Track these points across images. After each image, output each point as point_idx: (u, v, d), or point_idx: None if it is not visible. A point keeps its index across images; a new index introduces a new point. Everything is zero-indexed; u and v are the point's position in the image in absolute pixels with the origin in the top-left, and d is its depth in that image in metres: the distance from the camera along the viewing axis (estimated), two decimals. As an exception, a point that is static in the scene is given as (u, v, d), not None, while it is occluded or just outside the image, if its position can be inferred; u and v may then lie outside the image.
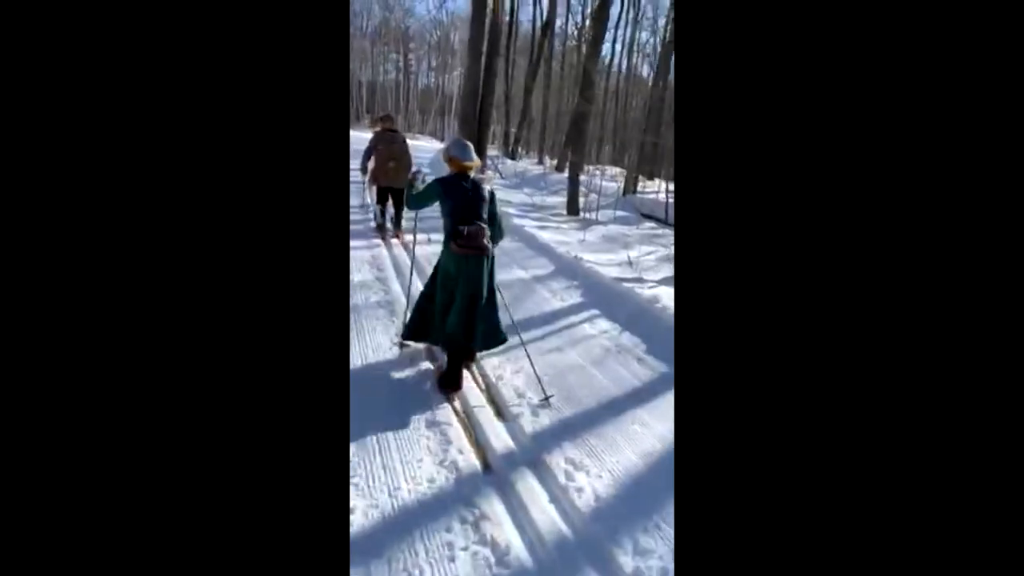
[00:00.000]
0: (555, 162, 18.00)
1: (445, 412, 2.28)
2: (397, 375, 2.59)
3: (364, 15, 41.09)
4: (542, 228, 6.64)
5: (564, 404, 2.45)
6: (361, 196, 6.70)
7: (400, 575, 1.44)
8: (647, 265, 5.10)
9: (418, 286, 2.86)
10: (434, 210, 2.58)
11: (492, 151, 14.58)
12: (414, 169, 3.26)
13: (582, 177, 8.73)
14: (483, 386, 2.58)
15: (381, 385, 2.49)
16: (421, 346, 2.88)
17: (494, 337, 2.59)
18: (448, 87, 41.69)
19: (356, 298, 3.57)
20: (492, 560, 1.51)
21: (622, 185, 10.95)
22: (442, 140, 27.86)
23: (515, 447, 2.11)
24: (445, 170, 2.58)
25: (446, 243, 2.44)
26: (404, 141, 5.06)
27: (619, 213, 8.67)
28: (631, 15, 19.14)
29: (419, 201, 2.52)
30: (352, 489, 1.75)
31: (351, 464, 1.87)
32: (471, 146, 2.55)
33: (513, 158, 16.98)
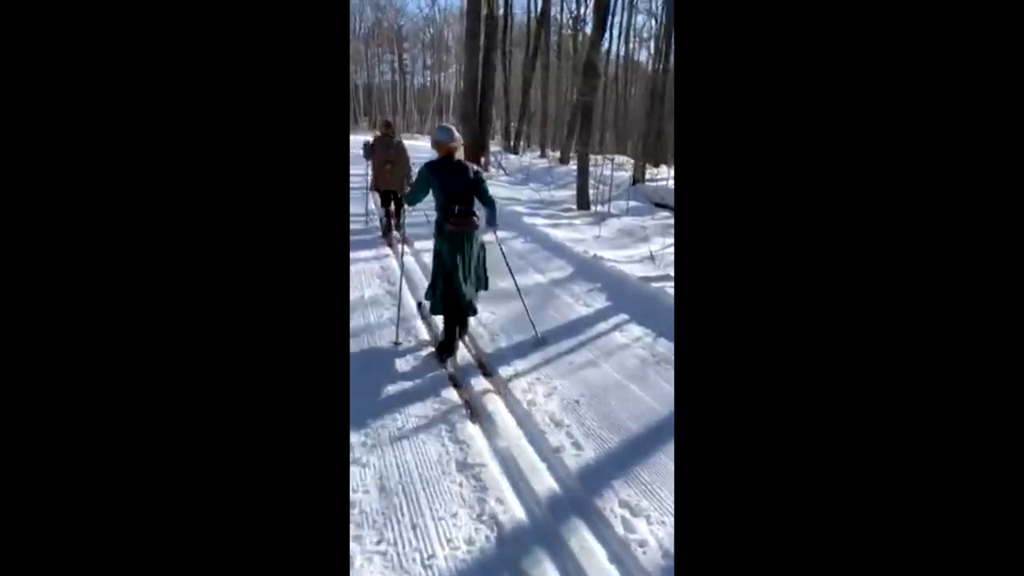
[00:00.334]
0: (558, 154, 17.69)
1: (478, 450, 2.03)
2: (421, 410, 2.34)
3: (357, 17, 40.79)
4: (554, 226, 6.37)
5: (609, 432, 2.19)
6: (364, 204, 6.51)
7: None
8: (670, 259, 4.81)
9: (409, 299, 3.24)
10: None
11: (493, 146, 14.28)
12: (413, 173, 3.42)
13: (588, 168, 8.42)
14: (517, 416, 2.32)
15: (406, 428, 2.24)
16: (445, 369, 2.63)
17: (473, 311, 2.87)
18: (444, 85, 41.43)
19: (367, 318, 3.32)
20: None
21: (631, 174, 10.64)
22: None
23: (560, 490, 1.85)
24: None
25: (438, 225, 2.66)
26: (400, 144, 5.22)
27: (631, 203, 8.37)
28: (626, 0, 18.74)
29: (414, 193, 2.68)
30: (379, 558, 1.50)
31: (377, 527, 1.63)
32: (453, 129, 2.71)
33: (515, 152, 16.68)
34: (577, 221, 7.03)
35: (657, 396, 2.47)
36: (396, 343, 2.91)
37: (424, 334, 3.09)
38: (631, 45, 22.24)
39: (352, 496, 1.75)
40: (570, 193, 10.04)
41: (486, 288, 2.98)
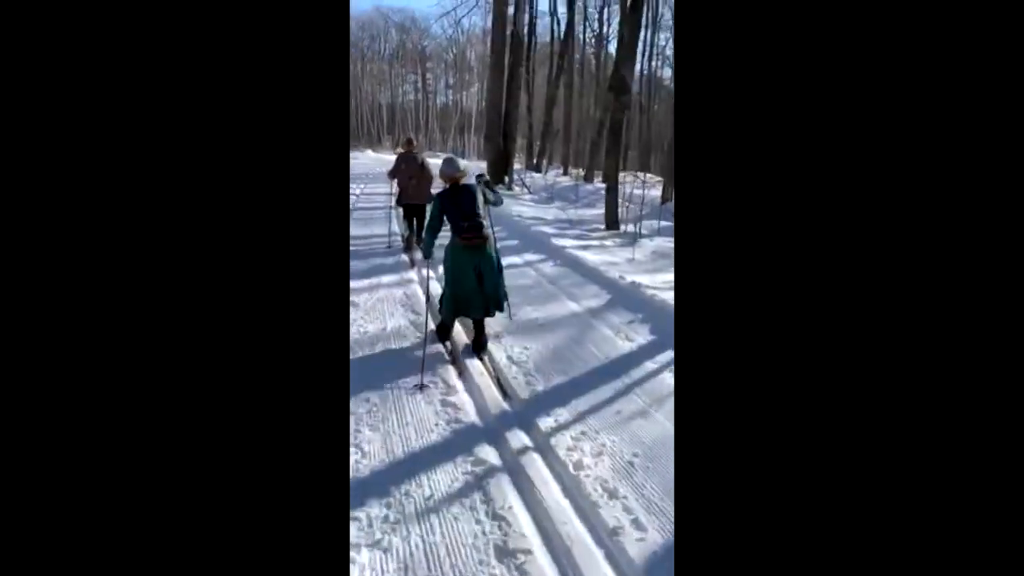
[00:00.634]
0: (582, 172, 17.46)
1: (520, 529, 1.69)
2: (451, 474, 2.02)
3: (382, 38, 41.75)
4: (584, 248, 6.05)
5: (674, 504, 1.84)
6: (388, 224, 6.37)
7: None
8: (715, 287, 4.44)
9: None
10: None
11: (516, 164, 14.08)
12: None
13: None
14: (562, 483, 1.98)
15: (435, 498, 1.92)
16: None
17: (497, 304, 3.12)
18: (466, 104, 41.90)
19: (389, 354, 3.03)
20: None
21: (659, 193, 10.29)
22: (463, 156, 27.67)
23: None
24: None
25: (452, 240, 3.01)
26: (424, 160, 5.50)
27: (662, 223, 8.02)
28: (649, 17, 18.57)
29: (431, 225, 3.06)
30: None
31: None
32: (457, 159, 3.11)
33: (538, 171, 16.49)
34: (608, 242, 6.70)
35: (725, 457, 2.11)
36: (420, 386, 2.62)
37: (453, 377, 2.78)
38: (654, 63, 22.10)
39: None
40: (596, 212, 9.72)
41: (501, 309, 3.16)
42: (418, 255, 5.04)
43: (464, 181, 3.07)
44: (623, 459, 2.09)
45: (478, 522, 1.73)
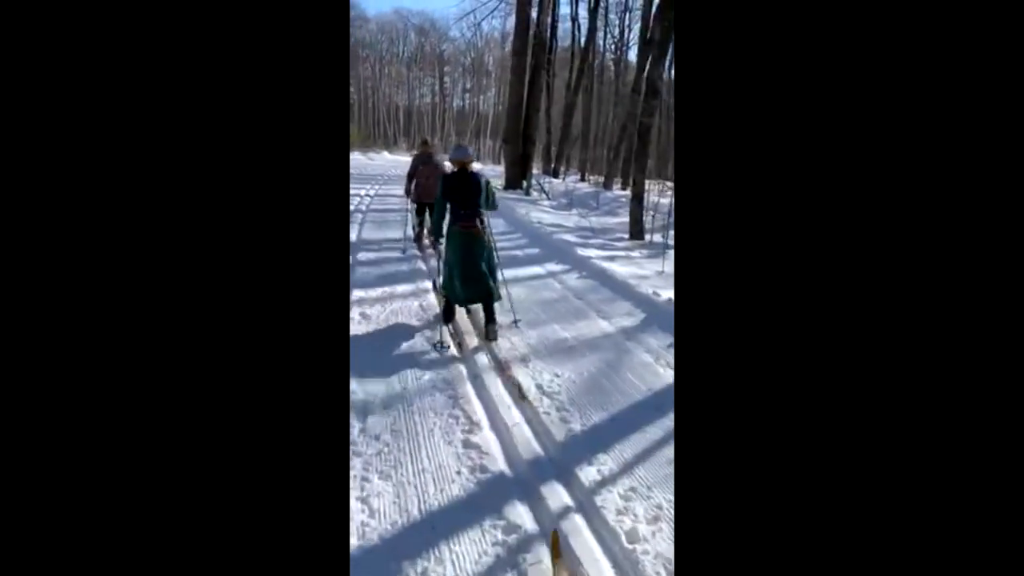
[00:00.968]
0: (599, 179, 17.08)
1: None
2: (477, 544, 1.66)
3: (400, 41, 41.86)
4: (610, 259, 5.68)
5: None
6: (403, 228, 6.09)
7: None
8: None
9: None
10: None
11: (534, 169, 13.72)
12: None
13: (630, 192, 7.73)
14: (613, 559, 1.60)
15: (464, 569, 1.56)
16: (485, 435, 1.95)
17: (490, 295, 3.24)
18: (483, 108, 41.87)
19: (405, 381, 2.68)
20: None
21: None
22: (478, 159, 27.52)
23: None
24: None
25: (450, 225, 3.18)
26: (439, 161, 5.61)
27: (689, 235, 7.62)
28: (655, 25, 18.17)
29: (439, 206, 3.24)
30: None
31: None
32: (467, 147, 3.36)
33: (556, 176, 16.14)
34: (634, 253, 6.32)
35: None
36: (440, 344, 3.00)
37: (476, 410, 2.42)
38: (674, 70, 21.70)
39: None
40: (618, 221, 9.34)
41: (497, 298, 3.31)
42: (427, 244, 5.31)
43: (471, 169, 3.25)
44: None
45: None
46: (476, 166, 3.37)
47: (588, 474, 1.97)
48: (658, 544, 1.64)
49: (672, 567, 1.54)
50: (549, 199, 11.24)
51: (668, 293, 4.23)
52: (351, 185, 8.99)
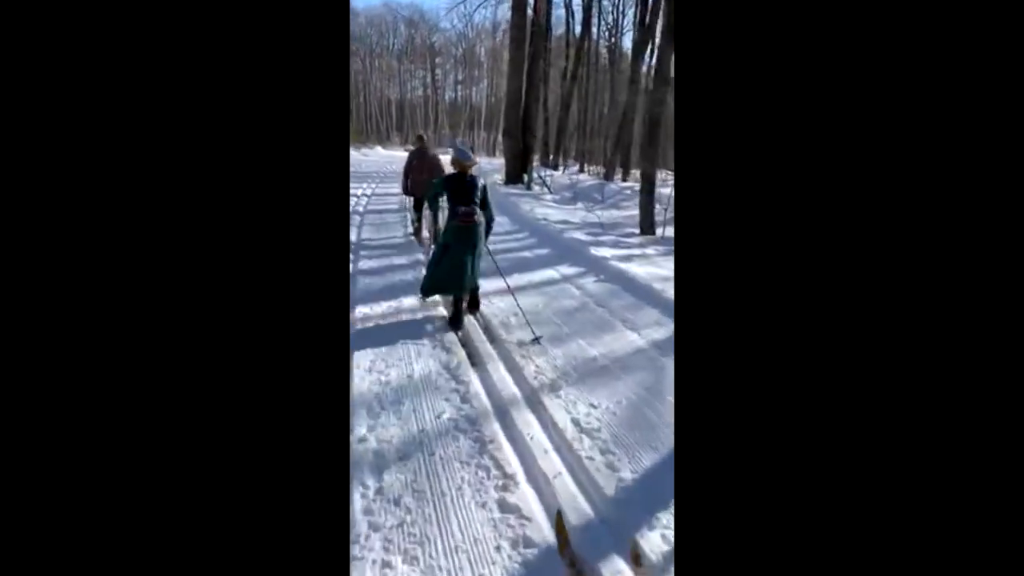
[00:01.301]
0: (599, 169, 16.71)
1: None
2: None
3: (390, 34, 41.16)
4: (626, 258, 5.34)
5: None
6: (404, 227, 5.77)
7: None
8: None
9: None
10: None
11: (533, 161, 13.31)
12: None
13: (633, 184, 7.38)
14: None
15: None
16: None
17: (475, 281, 3.47)
18: (476, 99, 41.32)
19: (422, 417, 2.34)
20: None
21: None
22: (472, 151, 27.07)
23: None
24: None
25: (449, 220, 3.38)
26: (435, 155, 5.80)
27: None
28: (668, 9, 17.69)
29: (432, 195, 3.61)
30: None
31: None
32: (468, 150, 3.46)
33: (554, 168, 15.75)
34: (649, 250, 5.98)
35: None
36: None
37: (510, 460, 2.09)
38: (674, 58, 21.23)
39: None
40: (625, 214, 9.00)
41: (475, 287, 3.58)
42: (426, 234, 5.48)
43: (471, 173, 3.44)
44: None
45: None
46: (472, 155, 3.50)
47: (652, 542, 1.64)
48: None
49: None
50: (551, 193, 10.87)
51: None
52: (346, 185, 8.60)
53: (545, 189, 11.15)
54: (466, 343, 3.19)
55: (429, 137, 6.43)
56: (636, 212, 9.04)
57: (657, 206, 7.49)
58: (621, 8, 21.06)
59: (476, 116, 40.18)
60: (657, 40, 8.14)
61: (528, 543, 1.62)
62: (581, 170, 16.93)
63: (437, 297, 3.93)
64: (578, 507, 1.80)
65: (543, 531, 1.68)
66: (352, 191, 9.77)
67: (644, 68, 14.57)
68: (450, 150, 3.75)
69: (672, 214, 7.27)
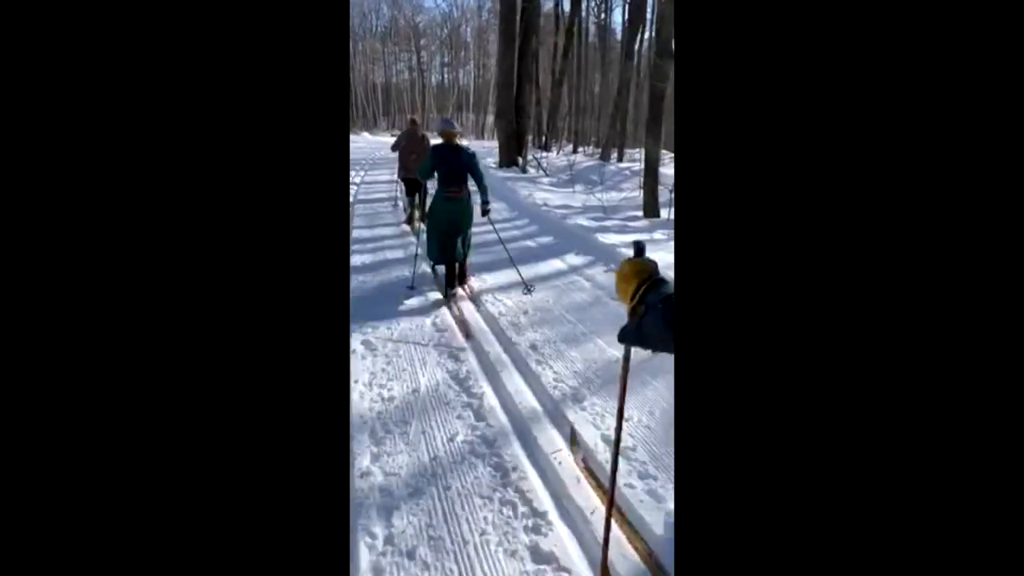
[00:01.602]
0: (593, 150, 16.32)
1: None
2: None
3: (373, 16, 40.09)
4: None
5: None
6: (396, 216, 5.44)
7: None
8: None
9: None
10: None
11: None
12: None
13: (630, 164, 7.06)
14: None
15: None
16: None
17: (455, 258, 3.66)
18: (463, 81, 40.55)
19: (432, 441, 2.06)
20: None
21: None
22: (462, 137, 26.65)
23: None
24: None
25: (438, 194, 3.68)
26: (424, 137, 5.88)
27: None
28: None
29: (423, 169, 3.69)
30: None
31: None
32: (452, 120, 3.88)
33: (547, 150, 15.32)
34: (657, 235, 5.70)
35: None
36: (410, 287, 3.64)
37: (542, 500, 1.81)
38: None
39: None
40: (625, 196, 8.70)
41: (465, 256, 3.79)
42: (420, 225, 5.29)
43: (457, 142, 3.61)
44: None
45: None
46: (463, 142, 3.72)
47: None
48: None
49: None
50: (547, 175, 10.51)
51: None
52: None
53: (541, 172, 10.79)
54: (475, 347, 2.90)
55: (421, 121, 6.47)
56: (636, 193, 8.75)
57: (661, 187, 7.19)
58: (611, -18, 20.44)
59: (464, 98, 39.42)
60: (649, 15, 7.74)
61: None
62: (574, 150, 16.54)
63: (439, 294, 3.63)
64: (625, 553, 1.54)
65: None
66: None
67: (637, 45, 14.09)
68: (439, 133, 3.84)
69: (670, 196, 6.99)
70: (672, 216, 6.83)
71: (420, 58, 40.21)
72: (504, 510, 1.68)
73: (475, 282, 3.98)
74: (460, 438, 2.05)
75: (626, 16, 15.27)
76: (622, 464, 1.90)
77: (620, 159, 13.44)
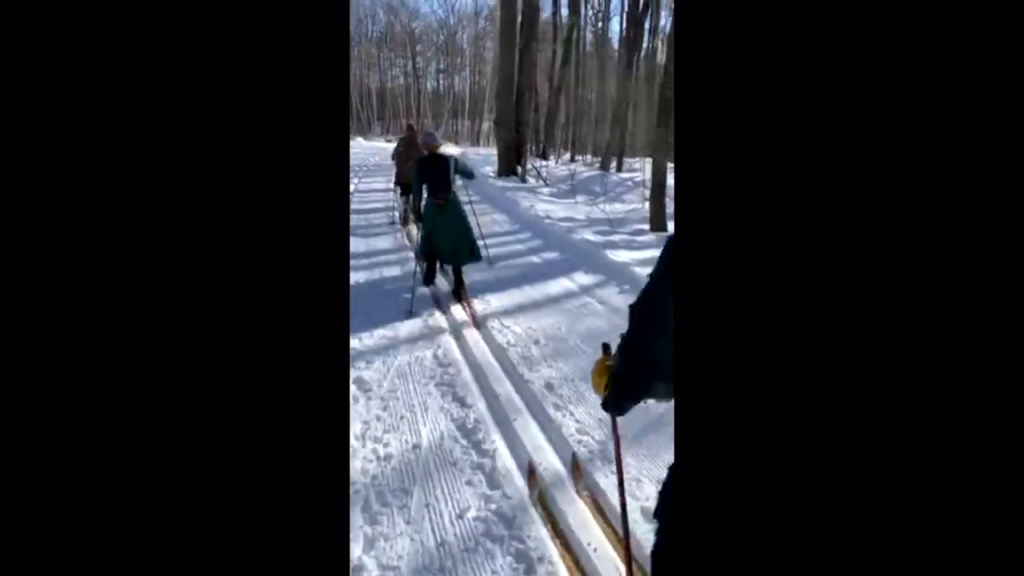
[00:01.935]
0: (592, 159, 16.10)
1: None
2: None
3: (369, 21, 39.92)
4: (647, 263, 4.74)
5: None
6: (394, 230, 5.12)
7: None
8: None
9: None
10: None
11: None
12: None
13: (630, 175, 6.79)
14: None
15: None
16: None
17: (469, 256, 3.90)
18: (458, 88, 40.41)
19: (439, 518, 1.71)
20: None
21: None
22: (455, 143, 26.38)
23: None
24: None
25: (428, 200, 3.88)
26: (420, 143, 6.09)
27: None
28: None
29: (416, 190, 3.96)
30: None
31: None
32: (435, 133, 4.08)
33: (545, 158, 15.06)
34: (668, 252, 5.39)
35: None
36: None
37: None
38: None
39: None
40: (630, 208, 8.42)
41: (479, 259, 3.99)
42: (413, 228, 5.40)
43: (440, 151, 3.85)
44: None
45: None
46: (457, 151, 3.52)
47: None
48: None
49: None
50: (548, 185, 10.21)
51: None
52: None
53: (541, 182, 10.50)
54: (483, 387, 2.56)
55: (418, 127, 6.73)
56: (639, 205, 8.47)
57: (668, 199, 6.92)
58: (608, -9, 20.32)
59: (459, 104, 39.25)
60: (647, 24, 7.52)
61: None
62: (572, 159, 16.30)
63: (441, 320, 3.29)
64: None
65: None
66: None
67: (641, 52, 13.90)
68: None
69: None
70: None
71: (416, 64, 40.05)
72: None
73: (478, 305, 3.65)
74: (471, 514, 1.70)
75: (623, 25, 15.11)
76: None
77: (619, 169, 13.21)
